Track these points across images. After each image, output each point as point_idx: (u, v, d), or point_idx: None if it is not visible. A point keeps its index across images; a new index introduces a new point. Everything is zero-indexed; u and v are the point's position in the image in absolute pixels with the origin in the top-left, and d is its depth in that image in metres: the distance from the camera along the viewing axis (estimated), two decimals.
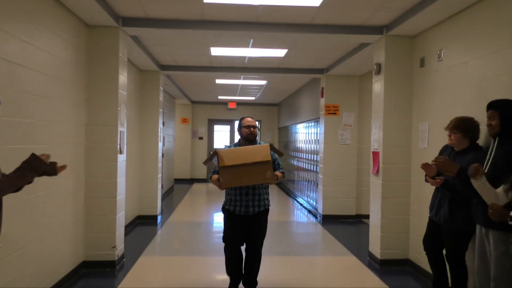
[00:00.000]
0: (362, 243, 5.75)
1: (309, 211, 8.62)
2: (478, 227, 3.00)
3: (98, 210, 4.57)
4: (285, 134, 12.94)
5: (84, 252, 4.59)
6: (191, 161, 14.27)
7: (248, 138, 3.70)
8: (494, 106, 2.91)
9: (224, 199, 3.76)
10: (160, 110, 7.54)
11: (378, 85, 5.01)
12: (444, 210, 3.38)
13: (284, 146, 12.80)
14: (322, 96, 7.66)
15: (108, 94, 4.57)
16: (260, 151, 3.41)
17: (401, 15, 4.38)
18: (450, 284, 3.57)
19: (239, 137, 3.85)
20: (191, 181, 14.09)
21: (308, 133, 9.38)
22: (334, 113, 7.56)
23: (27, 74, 3.25)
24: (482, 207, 2.82)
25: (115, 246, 4.61)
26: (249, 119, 3.74)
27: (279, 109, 14.29)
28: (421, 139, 4.55)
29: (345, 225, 7.24)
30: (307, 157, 9.37)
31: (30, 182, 2.18)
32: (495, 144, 2.91)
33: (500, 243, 2.70)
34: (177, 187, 12.37)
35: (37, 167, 2.05)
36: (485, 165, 2.92)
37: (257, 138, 3.80)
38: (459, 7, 3.79)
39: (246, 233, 3.70)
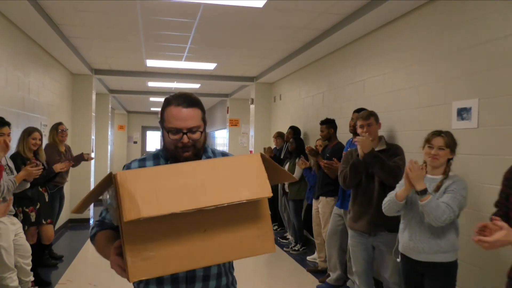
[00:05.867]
0: None
1: None
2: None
3: (79, 188, 7.37)
4: (207, 138, 16.08)
5: (69, 213, 7.37)
6: (127, 161, 16.85)
7: (178, 155, 1.46)
8: (293, 128, 6.30)
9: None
10: (109, 122, 10.32)
11: (252, 111, 8.36)
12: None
13: None
14: (228, 113, 10.93)
15: (85, 116, 7.41)
16: (244, 171, 1.25)
17: (262, 72, 7.75)
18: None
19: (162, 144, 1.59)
20: None
21: (220, 137, 12.64)
22: (236, 125, 10.86)
23: (51, 108, 6.07)
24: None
25: (89, 209, 7.45)
26: (179, 110, 1.44)
27: None
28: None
29: None
30: None
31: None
32: (287, 146, 6.32)
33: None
34: None
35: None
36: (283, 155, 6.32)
37: (207, 147, 1.62)
38: (289, 72, 7.20)
39: None
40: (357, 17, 4.06)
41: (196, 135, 1.48)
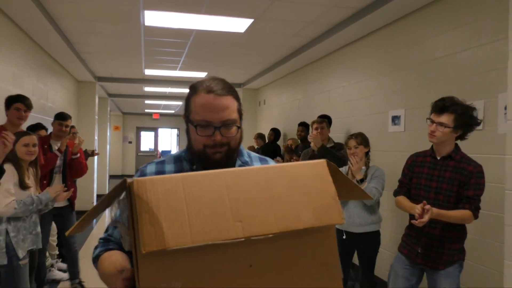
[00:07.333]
0: None
1: None
2: None
3: (84, 182, 8.20)
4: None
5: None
6: (122, 161, 17.67)
7: (207, 157, 1.19)
8: (273, 130, 7.21)
9: None
10: (108, 124, 11.16)
11: None
12: None
13: None
14: None
15: (89, 119, 8.25)
16: (306, 185, 0.94)
17: (248, 80, 8.66)
18: None
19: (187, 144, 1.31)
20: (122, 176, 17.38)
21: None
22: None
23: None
24: None
25: (93, 202, 8.30)
26: (211, 98, 1.16)
27: None
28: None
29: None
30: None
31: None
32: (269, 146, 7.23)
33: None
34: (112, 181, 15.73)
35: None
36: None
37: (242, 149, 1.32)
38: (271, 80, 8.12)
39: None
40: (322, 40, 4.98)
41: (232, 131, 1.18)
